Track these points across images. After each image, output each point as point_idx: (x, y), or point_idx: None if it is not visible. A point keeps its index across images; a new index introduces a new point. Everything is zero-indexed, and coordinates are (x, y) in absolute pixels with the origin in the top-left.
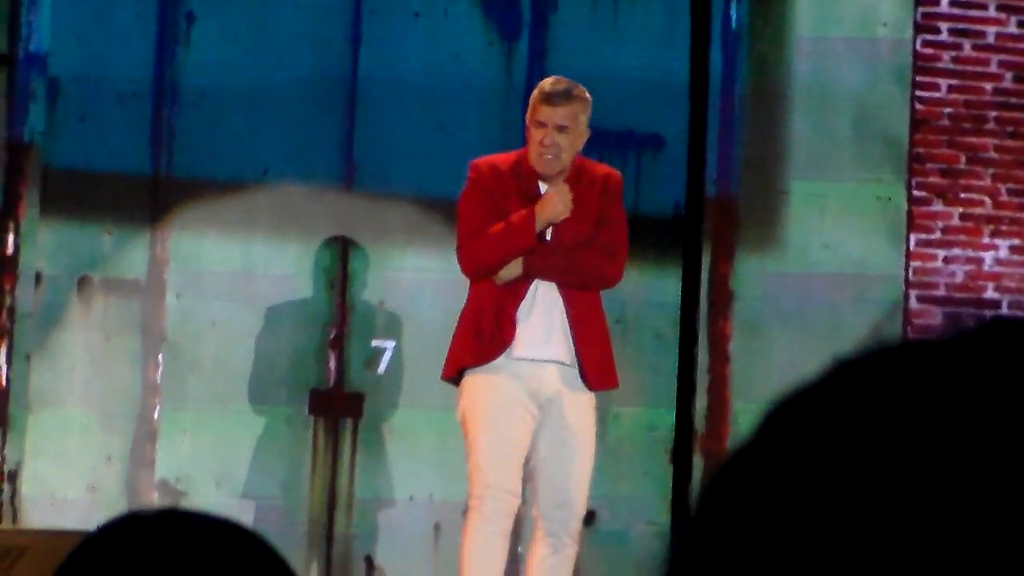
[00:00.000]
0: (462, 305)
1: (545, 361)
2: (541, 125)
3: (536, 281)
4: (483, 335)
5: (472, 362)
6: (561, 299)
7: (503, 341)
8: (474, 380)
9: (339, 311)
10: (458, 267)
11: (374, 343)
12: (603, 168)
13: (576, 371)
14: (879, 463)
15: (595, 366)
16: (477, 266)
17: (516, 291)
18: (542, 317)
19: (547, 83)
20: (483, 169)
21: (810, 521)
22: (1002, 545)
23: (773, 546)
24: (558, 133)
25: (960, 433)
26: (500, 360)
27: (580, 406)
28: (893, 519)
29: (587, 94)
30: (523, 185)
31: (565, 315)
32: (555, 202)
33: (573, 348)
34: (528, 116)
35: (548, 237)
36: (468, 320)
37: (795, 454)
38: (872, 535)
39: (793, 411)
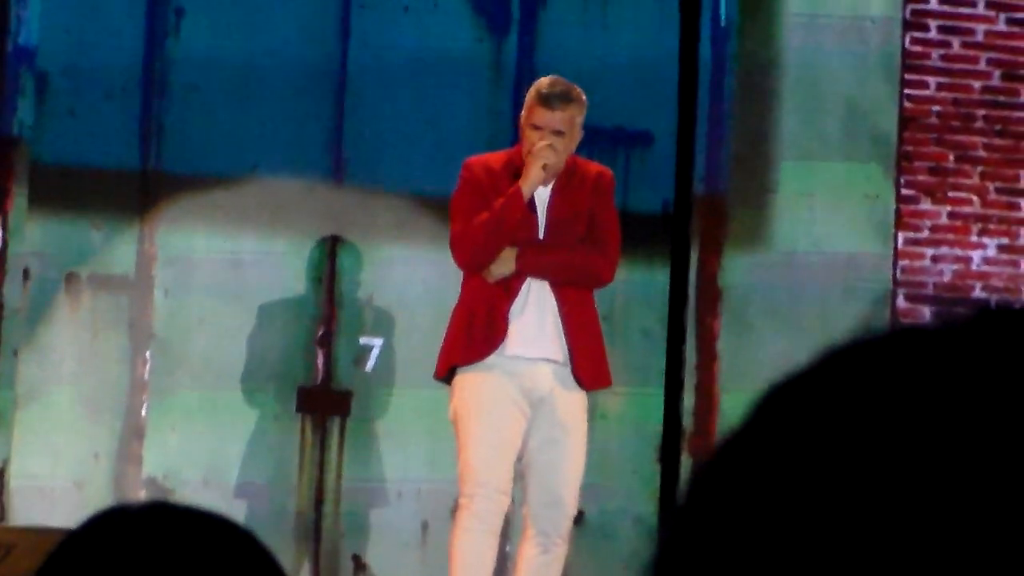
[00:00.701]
0: (452, 301)
1: (538, 359)
2: (537, 128)
3: (529, 279)
4: (474, 334)
5: (463, 361)
6: (554, 297)
7: (495, 339)
8: (466, 378)
9: (328, 307)
10: (448, 263)
11: (362, 340)
12: (595, 166)
13: (569, 369)
14: (870, 452)
15: (588, 365)
16: (473, 252)
17: (509, 289)
18: (535, 315)
19: (544, 84)
20: (476, 167)
21: (800, 510)
22: (994, 536)
23: (763, 536)
24: (555, 137)
25: (950, 421)
26: (493, 358)
27: (572, 405)
28: (884, 509)
29: (583, 96)
30: (514, 181)
31: (558, 313)
32: (530, 166)
33: (566, 346)
34: (524, 116)
35: (541, 235)
36: (460, 318)
37: (786, 442)
38: (864, 525)
39: (784, 399)
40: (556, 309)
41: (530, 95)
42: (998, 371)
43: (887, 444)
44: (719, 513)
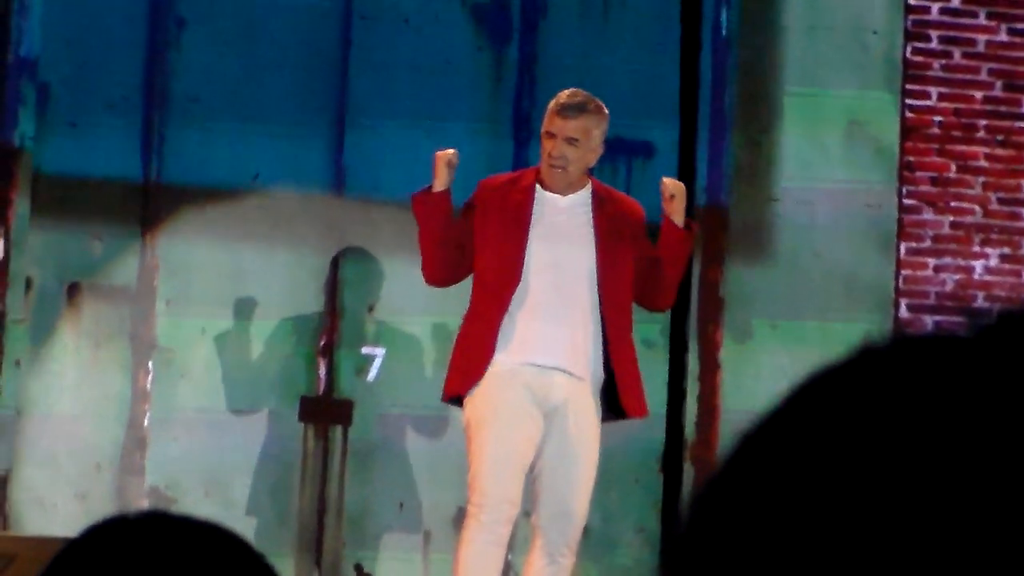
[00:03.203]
0: (453, 312)
1: (552, 368)
2: (551, 136)
3: (542, 289)
4: (464, 360)
5: (462, 390)
6: (599, 317)
7: (483, 360)
8: (479, 388)
9: (329, 318)
10: None
11: (364, 350)
12: (627, 197)
13: (586, 384)
14: (899, 457)
15: (631, 393)
16: (423, 264)
17: (500, 300)
18: (557, 326)
19: (564, 95)
20: (480, 185)
21: (824, 508)
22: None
23: (778, 544)
24: (567, 145)
25: (981, 430)
26: (505, 366)
27: (586, 417)
28: (908, 514)
29: (604, 109)
30: (513, 194)
31: (600, 334)
32: (435, 165)
33: (599, 367)
34: (542, 127)
35: (594, 248)
36: (457, 344)
37: (813, 442)
38: (890, 529)
39: (817, 395)
40: (595, 332)
41: (550, 105)
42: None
43: (918, 452)
44: (734, 517)
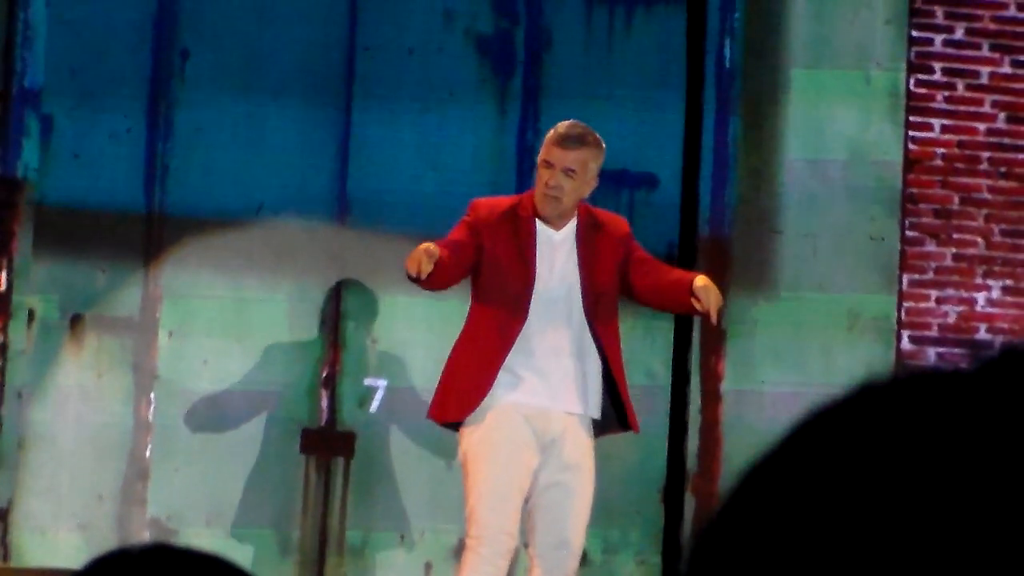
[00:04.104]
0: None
1: (550, 407)
2: (549, 166)
3: (541, 325)
4: (460, 386)
5: (455, 417)
6: (596, 347)
7: (480, 391)
8: (479, 421)
9: (332, 349)
10: (451, 305)
11: (366, 382)
12: (612, 216)
13: (581, 417)
14: (902, 493)
15: (631, 408)
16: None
17: (506, 338)
18: (557, 364)
19: (563, 125)
20: (481, 206)
21: (827, 543)
22: None
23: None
24: (564, 176)
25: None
26: (506, 401)
27: (581, 447)
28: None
29: (602, 143)
30: (519, 226)
31: (598, 364)
32: (409, 258)
33: (597, 398)
34: (540, 156)
35: (579, 280)
36: (452, 365)
37: (816, 478)
38: (892, 563)
39: (820, 431)
40: (588, 363)
41: (548, 135)
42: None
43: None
44: (737, 554)
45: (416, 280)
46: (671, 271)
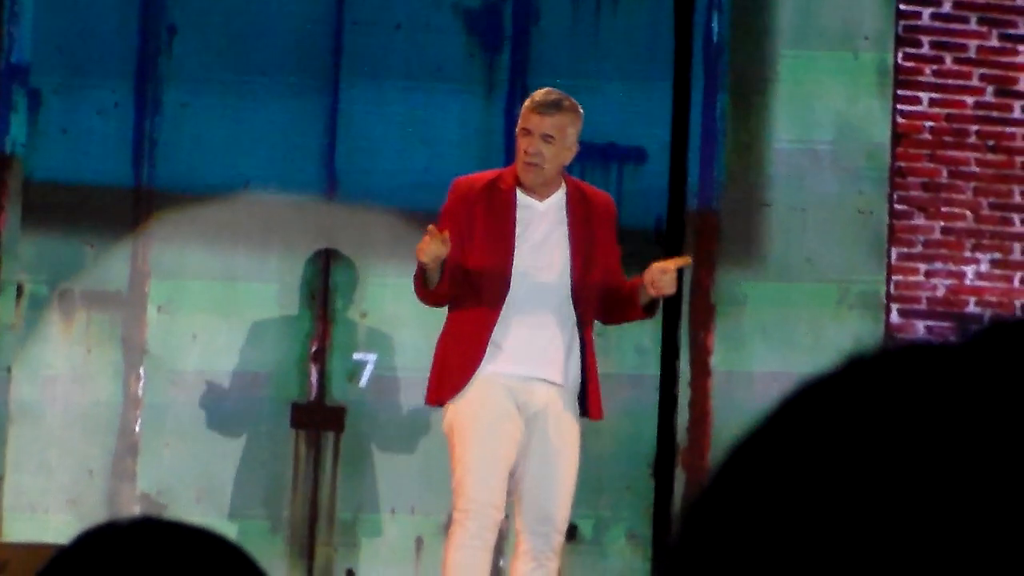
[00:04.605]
0: (444, 319)
1: (533, 378)
2: (527, 133)
3: (526, 297)
4: (452, 365)
5: (448, 395)
6: (576, 322)
7: (472, 367)
8: (463, 394)
9: (321, 324)
10: None
11: (356, 356)
12: (599, 192)
13: (564, 389)
14: (890, 466)
15: (597, 396)
16: (421, 300)
17: (492, 311)
18: (534, 335)
19: (539, 93)
20: (460, 186)
21: (816, 517)
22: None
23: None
24: (543, 142)
25: (971, 438)
26: (489, 374)
27: (566, 423)
28: (900, 523)
29: (579, 108)
30: (497, 198)
31: (577, 340)
32: (421, 245)
33: (576, 372)
34: (518, 125)
35: (569, 252)
36: (440, 344)
37: (805, 452)
38: (882, 538)
39: (808, 405)
40: (570, 337)
41: (525, 103)
42: (1016, 386)
43: (909, 461)
44: (726, 528)
45: (425, 298)
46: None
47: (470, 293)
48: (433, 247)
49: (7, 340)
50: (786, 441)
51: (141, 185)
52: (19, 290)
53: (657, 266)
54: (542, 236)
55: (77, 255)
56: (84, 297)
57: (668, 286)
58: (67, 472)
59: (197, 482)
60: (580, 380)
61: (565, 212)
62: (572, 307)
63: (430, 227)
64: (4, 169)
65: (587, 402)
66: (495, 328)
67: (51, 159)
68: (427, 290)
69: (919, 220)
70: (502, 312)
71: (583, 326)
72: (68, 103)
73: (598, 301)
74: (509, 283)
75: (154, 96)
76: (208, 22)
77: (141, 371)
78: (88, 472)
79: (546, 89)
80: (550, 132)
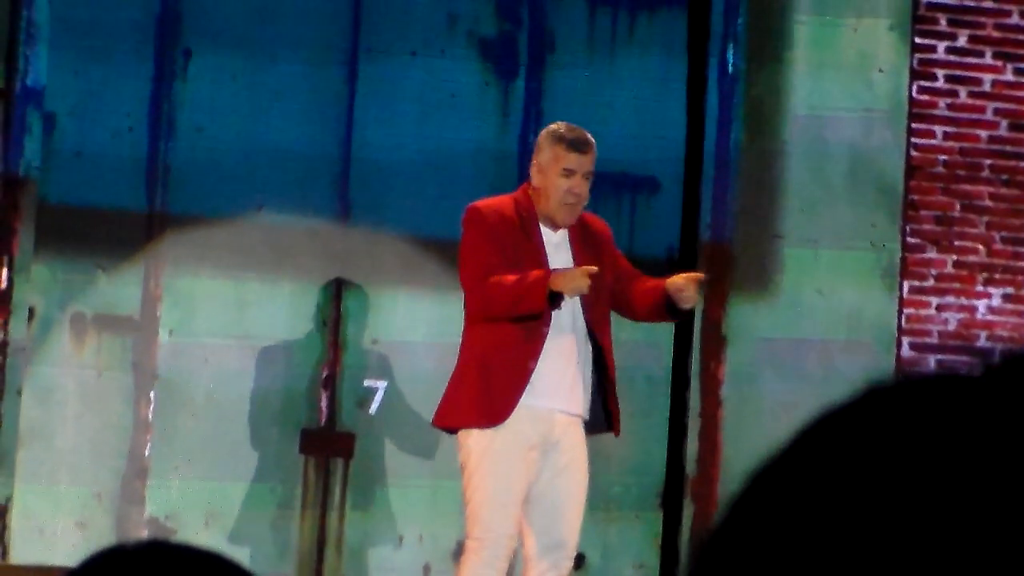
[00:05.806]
0: (456, 344)
1: (556, 410)
2: (571, 173)
3: (554, 329)
4: (494, 394)
5: (482, 423)
6: (596, 354)
7: (514, 397)
8: (496, 425)
9: (332, 349)
10: (452, 306)
11: (366, 383)
12: (592, 216)
13: (579, 420)
14: (905, 499)
15: (618, 413)
16: (487, 313)
17: (533, 340)
18: (558, 365)
19: (564, 129)
20: (485, 211)
21: (839, 547)
22: None
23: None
24: (585, 181)
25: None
26: (521, 405)
27: (578, 450)
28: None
29: None
30: (526, 228)
31: (603, 371)
32: (576, 280)
33: (601, 402)
34: (549, 162)
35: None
36: (475, 373)
37: (820, 484)
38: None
39: (823, 437)
40: (589, 367)
41: (551, 141)
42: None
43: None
44: (741, 560)
45: (518, 314)
46: (648, 278)
47: (517, 328)
48: (584, 282)
49: (18, 362)
50: (806, 471)
51: (154, 209)
52: (31, 312)
53: (679, 277)
54: (560, 266)
55: (89, 278)
56: (96, 320)
57: (690, 298)
58: (76, 495)
59: (206, 506)
60: (602, 398)
61: (569, 241)
62: (588, 335)
63: (584, 268)
64: (18, 191)
65: (611, 419)
66: (539, 360)
67: (65, 182)
68: (525, 311)
69: (931, 253)
70: (544, 344)
71: (602, 349)
72: (83, 126)
73: (623, 305)
74: (550, 315)
75: (168, 120)
76: (223, 47)
77: (151, 395)
78: (97, 495)
79: (567, 125)
80: (591, 170)
